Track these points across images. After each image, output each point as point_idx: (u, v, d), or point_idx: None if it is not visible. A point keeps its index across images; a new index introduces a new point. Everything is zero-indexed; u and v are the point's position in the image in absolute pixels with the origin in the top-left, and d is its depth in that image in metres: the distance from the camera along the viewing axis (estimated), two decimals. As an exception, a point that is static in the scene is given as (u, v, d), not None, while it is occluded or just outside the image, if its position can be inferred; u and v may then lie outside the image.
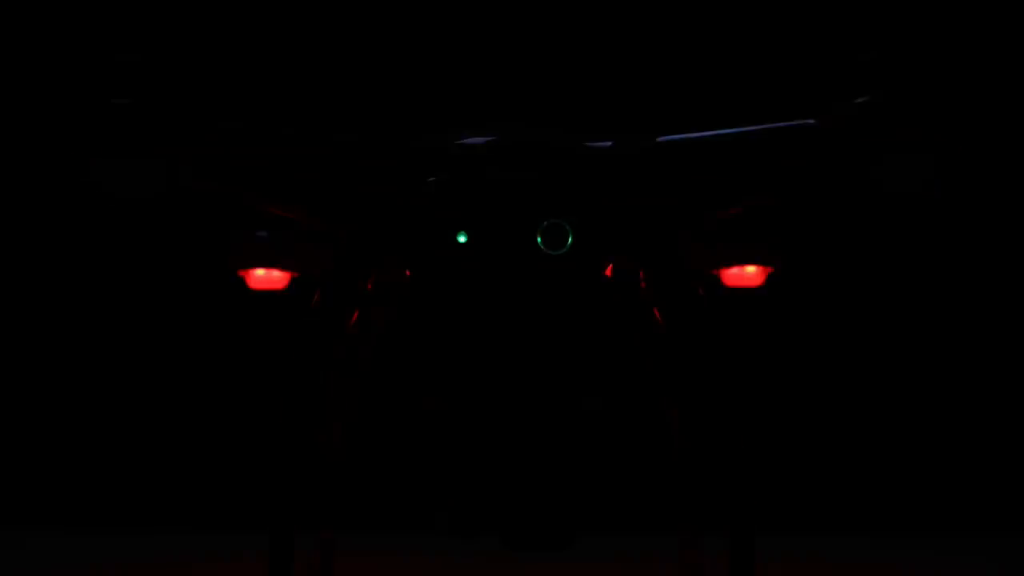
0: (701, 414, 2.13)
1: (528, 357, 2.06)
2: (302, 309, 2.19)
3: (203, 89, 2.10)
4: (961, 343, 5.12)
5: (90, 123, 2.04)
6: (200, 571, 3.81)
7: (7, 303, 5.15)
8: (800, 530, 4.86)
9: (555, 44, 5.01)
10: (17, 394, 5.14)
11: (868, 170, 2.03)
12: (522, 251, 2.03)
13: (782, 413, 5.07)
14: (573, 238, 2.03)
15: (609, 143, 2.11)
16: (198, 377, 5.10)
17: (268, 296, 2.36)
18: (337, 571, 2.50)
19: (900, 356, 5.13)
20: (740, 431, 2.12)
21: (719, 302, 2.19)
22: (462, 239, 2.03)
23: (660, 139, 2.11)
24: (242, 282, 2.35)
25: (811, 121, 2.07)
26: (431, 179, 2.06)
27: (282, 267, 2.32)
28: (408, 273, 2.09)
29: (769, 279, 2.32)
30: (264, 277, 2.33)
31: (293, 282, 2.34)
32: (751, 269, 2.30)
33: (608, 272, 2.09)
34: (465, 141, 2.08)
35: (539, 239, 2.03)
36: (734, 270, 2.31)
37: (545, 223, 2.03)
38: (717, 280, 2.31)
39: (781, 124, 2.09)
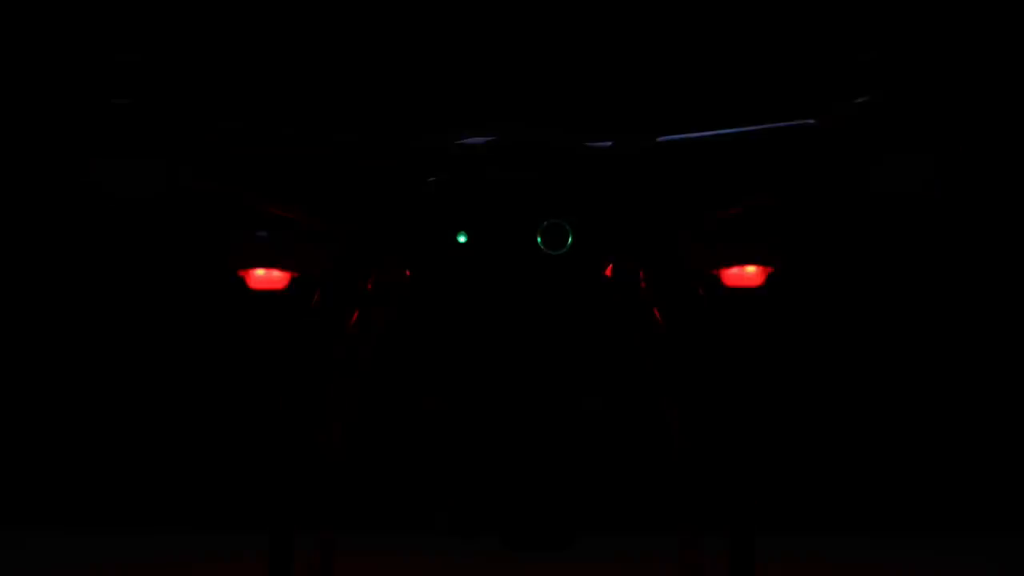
0: (701, 414, 2.13)
1: (528, 357, 2.06)
2: (302, 309, 2.19)
3: (203, 89, 2.10)
4: (961, 343, 5.12)
5: (90, 123, 2.04)
6: (200, 571, 3.81)
7: (7, 303, 5.15)
8: (800, 530, 4.85)
9: (555, 44, 5.01)
10: (17, 394, 5.14)
11: (868, 170, 2.03)
12: (522, 251, 2.03)
13: (782, 413, 5.07)
14: (573, 238, 2.03)
15: (609, 143, 2.11)
16: (198, 377, 5.10)
17: (268, 296, 2.36)
18: (337, 571, 2.50)
19: (900, 356, 5.13)
20: (740, 431, 2.12)
21: (719, 302, 2.19)
22: (462, 239, 2.03)
23: (660, 139, 2.11)
24: (242, 282, 2.35)
25: (811, 121, 2.07)
26: (431, 179, 2.06)
27: (282, 267, 2.32)
28: (408, 273, 2.09)
29: (769, 279, 2.32)
30: (264, 277, 2.33)
31: (293, 282, 2.34)
32: (751, 269, 2.30)
33: (608, 272, 2.09)
34: (465, 141, 2.08)
35: (539, 239, 2.03)
36: (734, 270, 2.30)
37: (545, 223, 2.03)
38: (717, 280, 2.30)
39: (781, 124, 2.09)
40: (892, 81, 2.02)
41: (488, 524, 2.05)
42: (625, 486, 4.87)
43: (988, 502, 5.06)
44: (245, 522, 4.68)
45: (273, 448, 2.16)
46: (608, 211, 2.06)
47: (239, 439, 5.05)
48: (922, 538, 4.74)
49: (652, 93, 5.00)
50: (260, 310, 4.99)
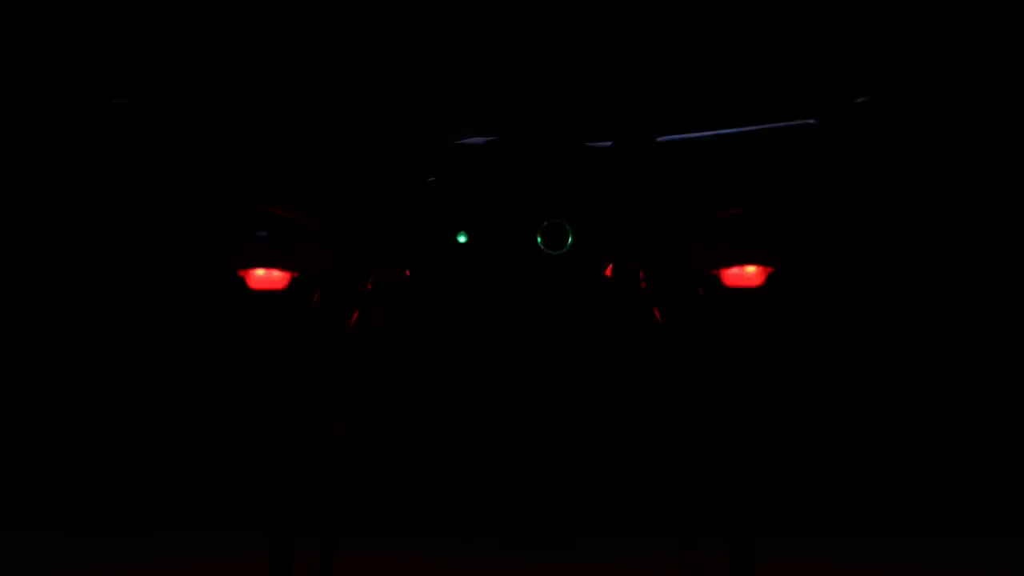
0: (701, 414, 2.13)
1: (528, 357, 2.06)
2: (302, 309, 2.19)
3: (203, 89, 2.10)
4: (961, 343, 5.12)
5: (90, 123, 2.04)
6: (200, 571, 3.81)
7: (7, 303, 5.15)
8: (800, 530, 4.85)
9: (555, 44, 5.01)
10: (17, 394, 5.14)
11: (868, 170, 2.03)
12: (522, 251, 2.03)
13: (782, 413, 5.07)
14: (573, 238, 2.03)
15: (609, 143, 2.11)
16: (198, 377, 5.10)
17: (268, 296, 2.36)
18: (337, 571, 2.50)
19: (900, 356, 5.13)
20: (740, 431, 2.12)
21: (719, 302, 2.19)
22: (462, 239, 2.03)
23: (660, 139, 2.11)
24: (242, 282, 2.35)
25: (811, 121, 2.07)
26: (431, 179, 2.06)
27: (282, 267, 2.32)
28: (408, 273, 2.09)
29: (769, 279, 2.32)
30: (264, 277, 2.33)
31: (293, 282, 2.34)
32: (751, 269, 2.30)
33: (608, 272, 2.09)
34: (465, 141, 2.08)
35: (539, 239, 2.03)
36: (734, 270, 2.30)
37: (545, 223, 2.03)
38: (717, 280, 2.30)
39: (781, 124, 2.09)
40: (892, 81, 2.02)
41: (488, 524, 2.05)
42: (625, 486, 4.87)
43: (988, 502, 5.06)
44: (245, 522, 4.68)
45: (273, 448, 2.16)
46: (608, 211, 2.06)
47: (239, 439, 5.05)
48: (922, 538, 4.74)
49: (652, 93, 5.00)
50: (260, 310, 4.99)
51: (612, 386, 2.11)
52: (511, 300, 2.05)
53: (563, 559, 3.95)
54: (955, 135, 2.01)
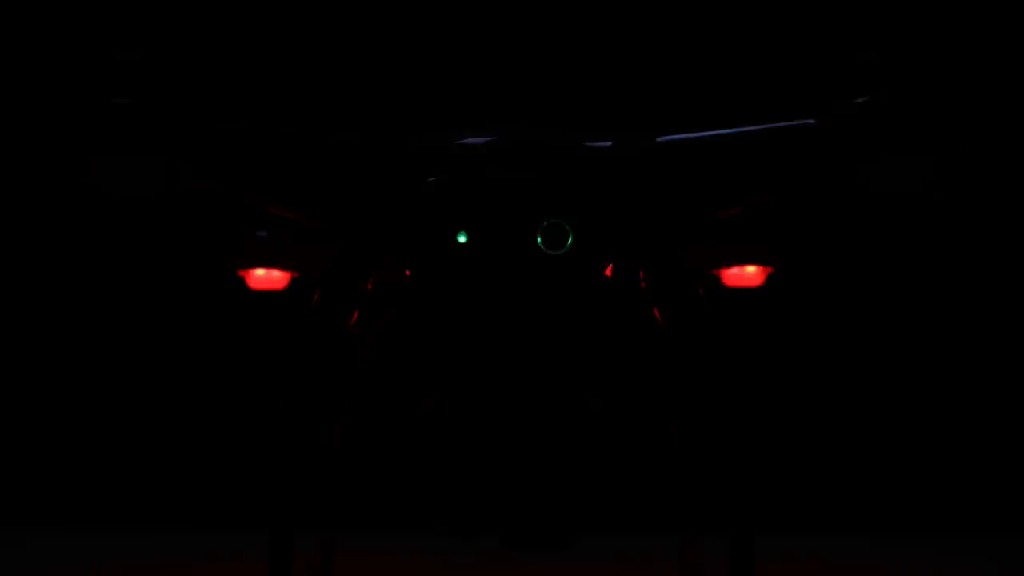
0: (701, 414, 2.13)
1: (528, 357, 2.06)
2: (302, 309, 2.19)
3: (203, 89, 2.10)
4: (961, 343, 5.12)
5: (90, 123, 2.04)
6: (200, 571, 3.81)
7: (7, 303, 5.15)
8: (800, 530, 4.85)
9: (555, 44, 5.01)
10: (17, 394, 5.14)
11: (868, 170, 2.03)
12: (522, 251, 2.03)
13: (782, 413, 5.07)
14: (573, 238, 2.03)
15: (609, 143, 2.11)
16: (198, 377, 5.10)
17: (268, 296, 2.36)
18: (337, 571, 2.50)
19: (900, 356, 5.13)
20: (740, 431, 2.12)
21: (719, 302, 2.19)
22: (462, 239, 2.03)
23: (660, 139, 2.11)
24: (242, 282, 2.35)
25: (811, 121, 2.07)
26: (431, 179, 2.06)
27: (282, 267, 2.32)
28: (408, 273, 2.09)
29: (769, 279, 2.32)
30: (264, 277, 2.33)
31: (293, 282, 2.34)
32: (751, 269, 2.30)
33: (608, 272, 2.09)
34: (465, 141, 2.08)
35: (539, 239, 2.03)
36: (734, 270, 2.30)
37: (545, 223, 2.03)
38: (717, 280, 2.30)
39: (781, 124, 2.09)
40: (892, 81, 2.01)
41: (488, 524, 2.05)
42: (625, 486, 4.87)
43: (988, 502, 5.06)
44: (245, 522, 4.68)
45: (273, 448, 2.16)
46: (608, 211, 2.06)
47: (239, 439, 5.05)
48: (922, 538, 4.74)
49: (652, 93, 5.00)
50: (260, 310, 4.99)
51: (612, 386, 2.11)
52: (511, 300, 2.05)
53: (563, 559, 3.95)
54: (955, 135, 2.01)
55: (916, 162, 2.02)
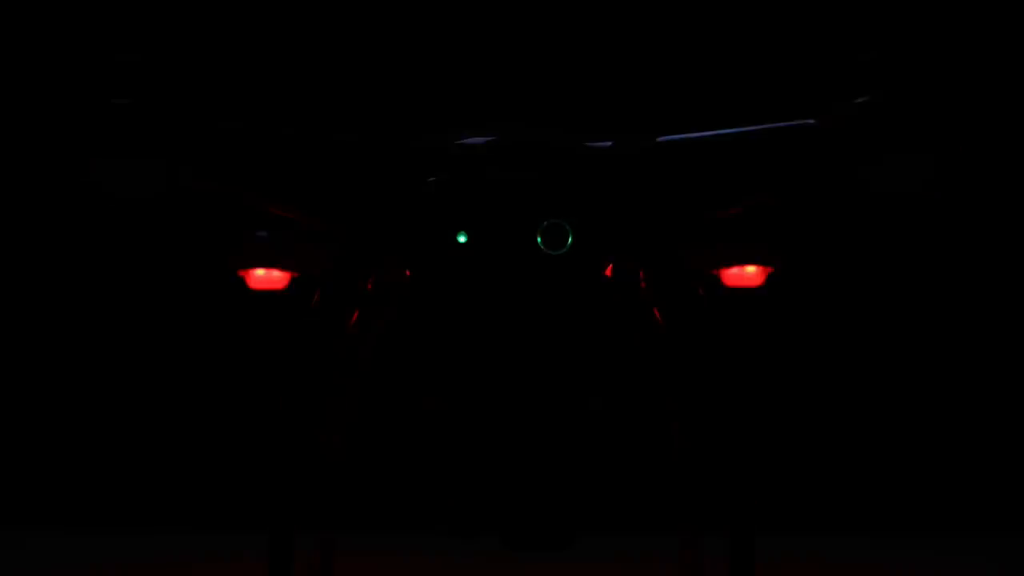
0: (701, 414, 2.13)
1: (528, 357, 2.06)
2: (302, 309, 2.19)
3: (203, 89, 2.10)
4: (960, 343, 5.12)
5: (90, 123, 2.04)
6: (200, 571, 3.81)
7: (7, 303, 5.15)
8: (800, 530, 4.85)
9: (555, 44, 5.01)
10: (17, 394, 5.14)
11: (868, 170, 2.03)
12: (522, 251, 2.03)
13: (782, 413, 5.07)
14: (573, 238, 2.03)
15: (609, 143, 2.11)
16: (198, 377, 5.10)
17: (268, 296, 2.36)
18: (337, 571, 2.50)
19: (900, 356, 5.13)
20: (740, 431, 2.12)
21: (719, 302, 2.19)
22: (462, 239, 2.03)
23: (660, 139, 2.11)
24: (242, 282, 2.35)
25: (811, 121, 2.07)
26: (431, 179, 2.06)
27: (282, 267, 2.32)
28: (408, 273, 2.09)
29: (769, 279, 2.32)
30: (264, 277, 2.33)
31: (293, 282, 2.34)
32: (751, 269, 2.30)
33: (608, 272, 2.09)
34: (465, 141, 2.08)
35: (539, 239, 2.03)
36: (734, 270, 2.30)
37: (545, 223, 2.03)
38: (717, 280, 2.30)
39: (781, 124, 2.09)
40: (892, 81, 2.01)
41: (488, 524, 2.05)
42: (625, 486, 4.87)
43: (988, 502, 5.06)
44: (245, 522, 4.68)
45: (273, 448, 2.16)
46: (608, 211, 2.06)
47: (239, 439, 5.05)
48: (922, 538, 4.74)
49: (652, 93, 5.00)
50: (260, 310, 4.99)
51: (612, 386, 2.11)
52: (511, 300, 2.05)
53: (563, 559, 3.95)
54: (955, 135, 2.01)
55: (916, 162, 2.02)
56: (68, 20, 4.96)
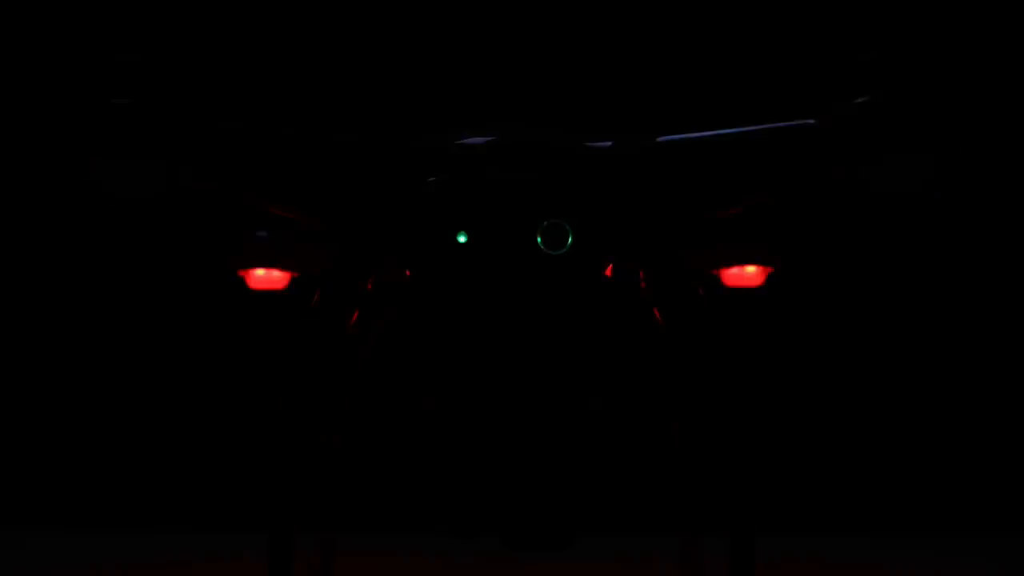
0: (701, 414, 2.13)
1: (528, 357, 2.06)
2: (302, 309, 2.19)
3: (203, 89, 2.10)
4: (960, 343, 5.12)
5: (90, 123, 2.04)
6: (200, 571, 3.81)
7: (7, 303, 5.15)
8: (800, 530, 4.85)
9: (554, 44, 5.01)
10: (17, 394, 5.14)
11: (868, 170, 2.03)
12: (522, 251, 2.03)
13: (782, 413, 5.07)
14: (573, 238, 2.03)
15: (609, 143, 2.11)
16: (198, 377, 5.10)
17: (268, 296, 2.36)
18: (337, 571, 2.50)
19: (900, 356, 5.13)
20: (740, 431, 2.12)
21: (719, 302, 2.19)
22: (462, 239, 2.03)
23: (660, 139, 2.11)
24: (242, 282, 2.35)
25: (811, 121, 2.07)
26: (431, 179, 2.06)
27: (282, 267, 2.32)
28: (408, 273, 2.09)
29: (769, 279, 2.32)
30: (264, 277, 2.33)
31: (293, 282, 2.34)
32: (751, 269, 2.30)
33: (608, 272, 2.09)
34: (465, 141, 2.08)
35: (539, 239, 2.03)
36: (734, 270, 2.30)
37: (545, 223, 2.03)
38: (717, 280, 2.30)
39: (781, 124, 2.09)
40: (892, 81, 2.01)
41: (488, 524, 2.05)
42: (625, 486, 4.87)
43: (988, 502, 5.06)
44: (245, 522, 4.68)
45: (273, 448, 2.16)
46: (608, 211, 2.06)
47: (239, 439, 5.05)
48: (922, 538, 4.74)
49: (652, 93, 5.00)
50: (260, 310, 4.99)
51: (612, 386, 2.11)
52: (511, 300, 2.05)
53: (563, 559, 3.95)
54: (955, 135, 2.01)
55: (916, 162, 2.02)
56: (68, 20, 4.96)
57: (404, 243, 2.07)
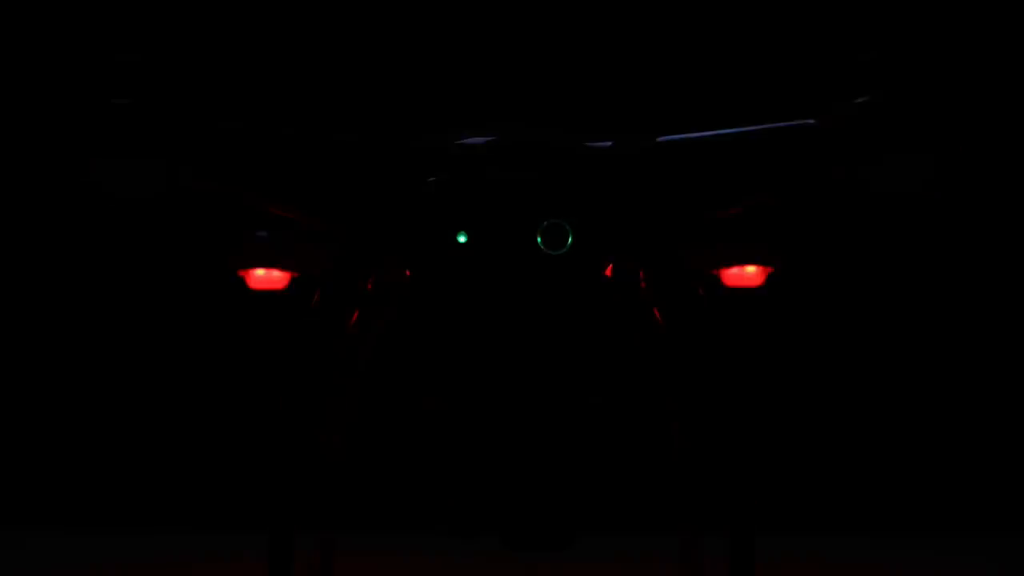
0: (701, 414, 2.13)
1: (527, 357, 2.06)
2: (302, 309, 2.19)
3: (203, 89, 2.10)
4: (960, 343, 5.12)
5: (90, 123, 2.04)
6: (200, 571, 3.81)
7: (7, 303, 5.15)
8: (800, 530, 4.85)
9: (554, 44, 5.01)
10: (17, 394, 5.14)
11: (868, 170, 2.03)
12: (522, 251, 2.03)
13: (782, 413, 5.07)
14: (573, 238, 2.03)
15: (609, 143, 2.11)
16: (198, 377, 5.10)
17: (268, 296, 2.36)
18: (337, 571, 2.50)
19: (900, 356, 5.13)
20: (740, 431, 2.12)
21: (719, 302, 2.19)
22: (462, 239, 2.03)
23: (660, 139, 2.11)
24: (242, 282, 2.35)
25: (811, 121, 2.07)
26: (431, 179, 2.06)
27: (282, 267, 2.32)
28: (408, 273, 2.09)
29: (769, 279, 2.32)
30: (264, 277, 2.33)
31: (293, 282, 2.34)
32: (751, 269, 2.30)
33: (608, 272, 2.09)
34: (465, 141, 2.08)
35: (539, 239, 2.03)
36: (734, 270, 2.30)
37: (545, 223, 2.03)
38: (717, 280, 2.30)
39: (781, 124, 2.09)
40: (892, 81, 2.01)
41: (488, 524, 2.05)
42: (625, 486, 4.87)
43: (988, 502, 5.06)
44: (245, 522, 4.68)
45: (273, 448, 2.16)
46: (608, 211, 2.06)
47: (239, 439, 5.05)
48: (922, 538, 4.74)
49: (652, 93, 5.00)
50: (260, 310, 4.99)
51: (612, 386, 2.11)
52: (511, 300, 2.05)
53: (563, 559, 3.95)
54: (955, 135, 2.01)
55: (916, 162, 2.02)
56: (68, 20, 4.96)
57: (404, 243, 2.07)
